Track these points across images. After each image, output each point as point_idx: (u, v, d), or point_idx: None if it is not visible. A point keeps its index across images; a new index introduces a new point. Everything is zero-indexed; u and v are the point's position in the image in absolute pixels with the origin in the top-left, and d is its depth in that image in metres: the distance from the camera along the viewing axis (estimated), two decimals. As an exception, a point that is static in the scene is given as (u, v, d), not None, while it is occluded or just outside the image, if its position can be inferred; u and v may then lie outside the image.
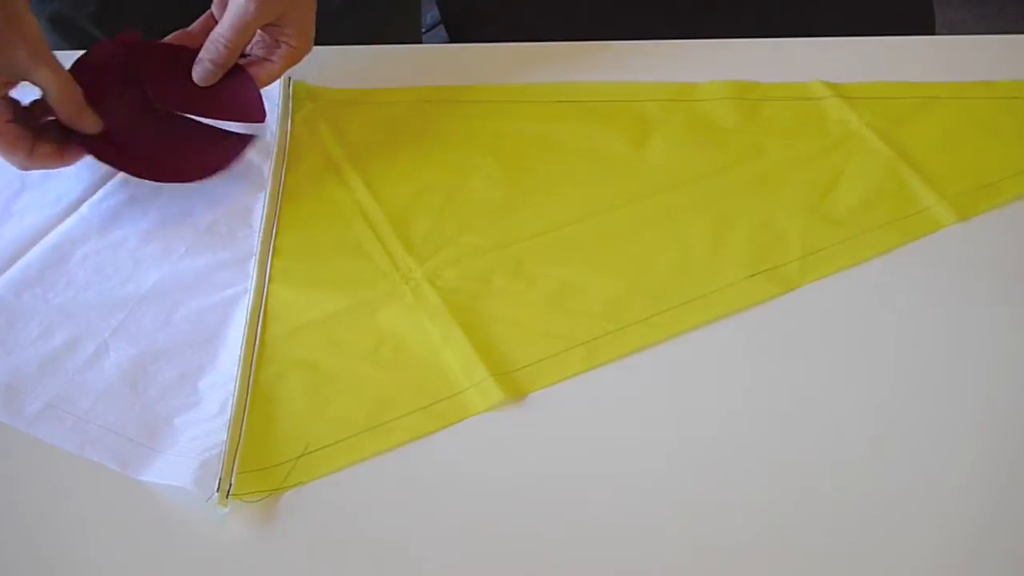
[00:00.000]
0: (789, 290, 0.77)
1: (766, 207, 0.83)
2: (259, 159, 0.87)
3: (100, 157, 0.80)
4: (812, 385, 0.72)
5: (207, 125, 0.84)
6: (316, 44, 1.11)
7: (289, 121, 0.90)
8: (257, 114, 0.84)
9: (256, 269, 0.78)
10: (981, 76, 0.95)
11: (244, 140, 0.85)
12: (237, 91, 0.84)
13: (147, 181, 0.82)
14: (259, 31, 0.84)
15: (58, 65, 0.76)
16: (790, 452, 0.68)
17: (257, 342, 0.74)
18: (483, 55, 1.00)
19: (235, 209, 0.83)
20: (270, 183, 0.85)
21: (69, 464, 0.67)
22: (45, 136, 0.78)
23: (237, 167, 0.86)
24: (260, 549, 0.63)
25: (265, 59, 0.84)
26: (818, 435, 0.69)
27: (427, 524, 0.64)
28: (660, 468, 0.67)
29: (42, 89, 0.76)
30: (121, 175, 0.84)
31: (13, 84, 0.76)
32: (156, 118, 0.83)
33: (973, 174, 0.86)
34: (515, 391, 0.71)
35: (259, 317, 0.75)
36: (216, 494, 0.64)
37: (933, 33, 1.16)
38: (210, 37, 0.81)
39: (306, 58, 0.98)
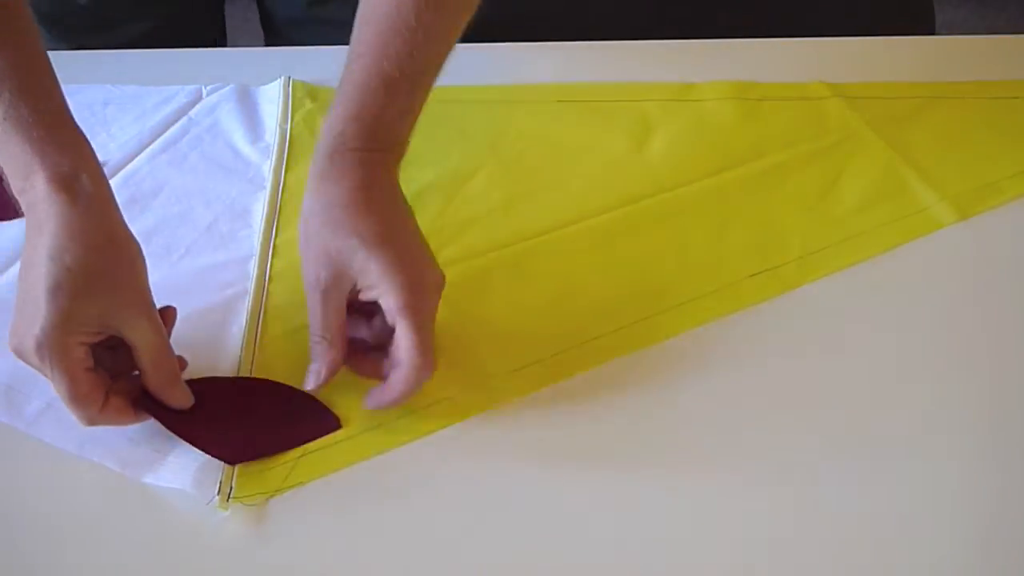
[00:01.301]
0: (789, 289, 0.77)
1: (767, 207, 0.83)
2: (259, 158, 0.87)
3: (176, 430, 0.67)
4: (813, 384, 0.71)
5: (299, 398, 0.70)
6: (314, 44, 1.11)
7: (289, 120, 0.90)
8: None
9: (256, 269, 0.78)
10: (981, 76, 0.95)
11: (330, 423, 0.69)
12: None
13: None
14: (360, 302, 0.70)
15: (160, 325, 0.66)
16: (790, 451, 0.68)
17: (257, 342, 0.74)
18: (483, 55, 1.00)
19: (235, 209, 0.83)
20: (270, 182, 0.85)
21: (69, 464, 0.67)
22: (120, 385, 0.67)
23: (237, 166, 0.86)
24: (260, 549, 0.63)
25: (392, 331, 0.68)
26: (819, 433, 0.68)
27: (425, 524, 0.64)
28: (659, 467, 0.67)
29: (135, 348, 0.65)
30: (121, 175, 0.84)
31: (105, 335, 0.65)
32: (244, 394, 0.71)
33: (973, 173, 0.86)
34: (516, 391, 0.71)
35: (259, 317, 0.75)
36: (217, 497, 0.64)
37: (933, 33, 1.16)
38: (310, 339, 0.69)
39: (307, 57, 0.98)
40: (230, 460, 0.66)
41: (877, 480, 0.66)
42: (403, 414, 0.69)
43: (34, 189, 0.65)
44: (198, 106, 0.91)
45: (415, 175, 0.85)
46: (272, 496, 0.65)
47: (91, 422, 0.65)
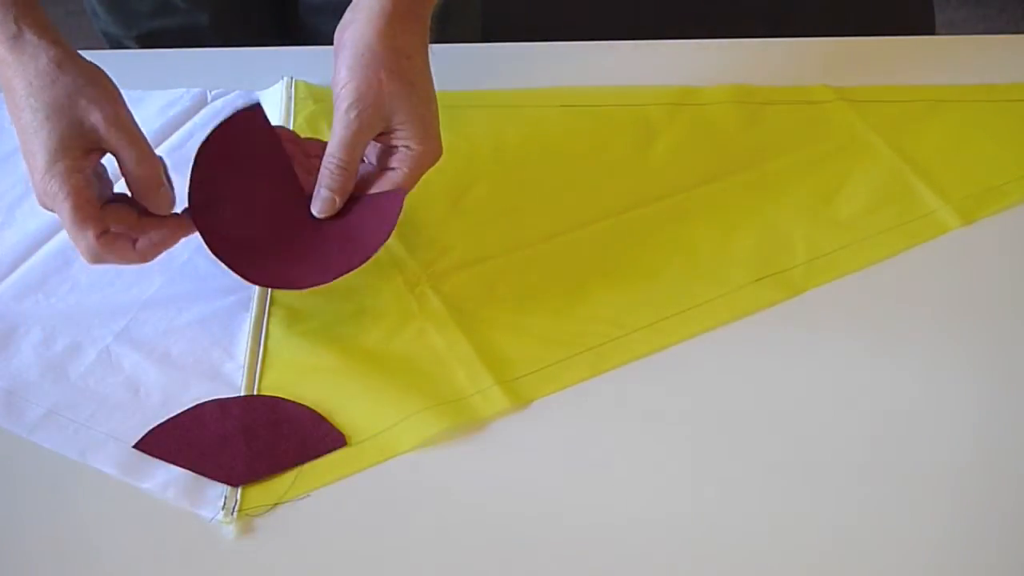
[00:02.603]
0: (795, 295, 0.77)
1: (771, 211, 0.83)
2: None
3: (176, 458, 0.68)
4: (818, 389, 0.71)
5: (303, 415, 0.70)
6: (321, 44, 1.10)
7: (291, 122, 0.90)
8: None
9: (260, 274, 0.78)
10: (981, 76, 0.95)
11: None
12: (362, 216, 0.74)
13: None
14: (375, 142, 0.75)
15: (136, 134, 0.70)
16: (797, 455, 0.68)
17: (261, 349, 0.73)
18: (485, 56, 0.99)
19: (239, 214, 0.83)
20: (273, 186, 0.84)
21: (70, 470, 0.67)
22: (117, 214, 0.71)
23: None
24: (263, 558, 0.63)
25: (387, 168, 0.75)
26: (825, 438, 0.69)
27: (430, 531, 0.64)
28: (666, 473, 0.67)
29: (116, 156, 0.70)
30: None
31: (96, 154, 0.70)
32: (247, 413, 0.71)
33: (978, 177, 0.86)
34: (520, 398, 0.71)
35: (263, 324, 0.75)
36: (221, 512, 0.64)
37: (933, 33, 1.16)
38: (323, 162, 0.73)
39: (308, 58, 0.97)
40: (233, 483, 0.66)
41: (884, 482, 0.66)
42: (405, 417, 0.69)
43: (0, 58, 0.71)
44: (203, 111, 0.91)
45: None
46: (276, 506, 0.65)
47: (94, 255, 0.69)
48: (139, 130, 0.71)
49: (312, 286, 0.73)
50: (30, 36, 0.70)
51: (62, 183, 0.68)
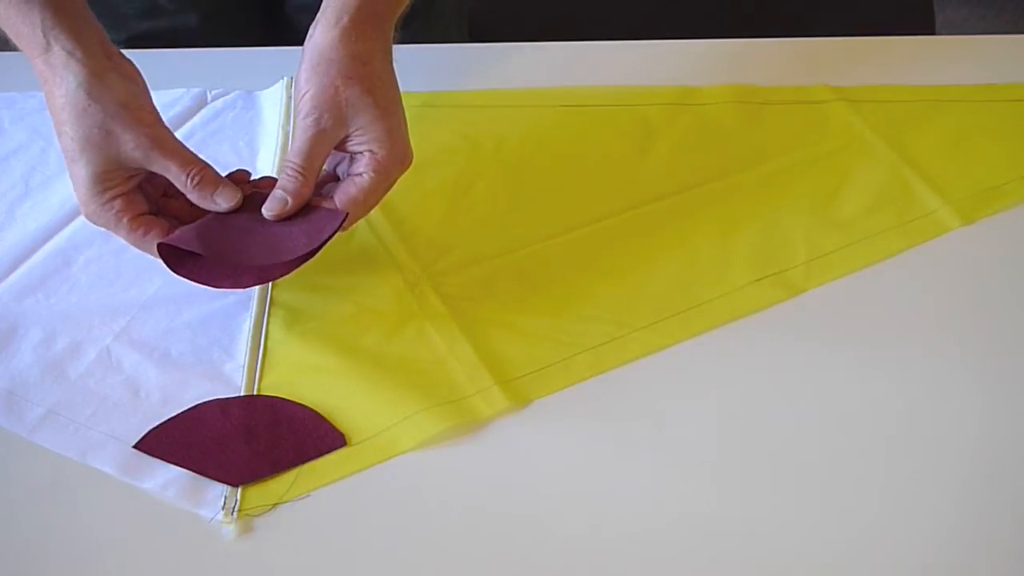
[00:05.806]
0: (795, 294, 0.77)
1: (771, 211, 0.83)
2: (263, 164, 0.87)
3: (177, 457, 0.68)
4: (818, 389, 0.71)
5: (304, 415, 0.70)
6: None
7: (291, 122, 0.90)
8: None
9: (259, 274, 0.78)
10: (981, 76, 0.95)
11: (335, 440, 0.69)
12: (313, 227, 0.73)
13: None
14: (340, 152, 0.75)
15: (175, 150, 0.71)
16: (796, 455, 0.68)
17: (261, 349, 0.73)
18: (484, 56, 0.99)
19: (238, 214, 0.83)
20: (273, 187, 0.84)
21: (70, 470, 0.67)
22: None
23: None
24: (263, 558, 0.63)
25: (354, 175, 0.73)
26: (824, 438, 0.69)
27: (430, 531, 0.64)
28: (666, 473, 0.67)
29: (166, 175, 0.71)
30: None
31: (137, 176, 0.71)
32: (248, 413, 0.71)
33: (978, 177, 0.86)
34: (520, 398, 0.71)
35: (263, 324, 0.75)
36: (221, 513, 0.64)
37: (933, 33, 1.16)
38: (283, 168, 0.73)
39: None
40: (233, 482, 0.66)
41: (883, 482, 0.66)
42: (405, 417, 0.69)
43: (38, 71, 0.70)
44: (202, 111, 0.91)
45: (419, 180, 0.84)
46: (276, 506, 0.65)
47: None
48: (177, 142, 0.71)
49: (226, 288, 0.73)
50: (58, 51, 0.68)
51: (108, 209, 0.70)
